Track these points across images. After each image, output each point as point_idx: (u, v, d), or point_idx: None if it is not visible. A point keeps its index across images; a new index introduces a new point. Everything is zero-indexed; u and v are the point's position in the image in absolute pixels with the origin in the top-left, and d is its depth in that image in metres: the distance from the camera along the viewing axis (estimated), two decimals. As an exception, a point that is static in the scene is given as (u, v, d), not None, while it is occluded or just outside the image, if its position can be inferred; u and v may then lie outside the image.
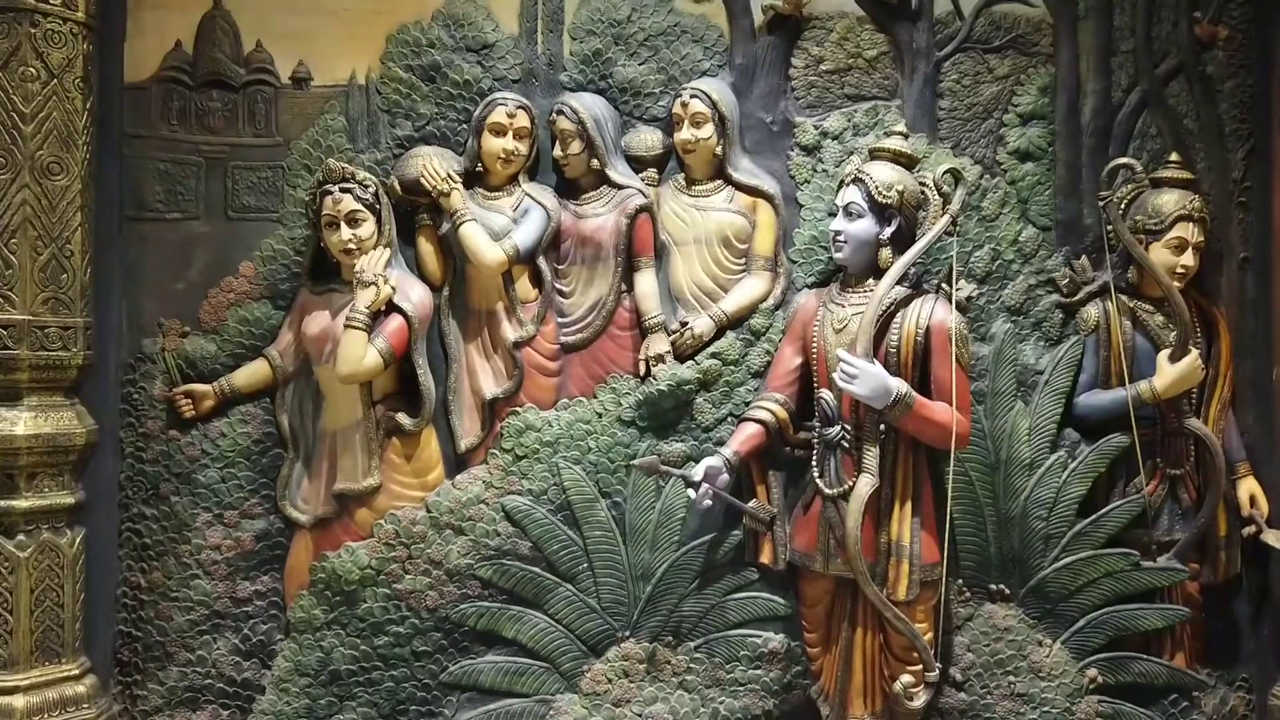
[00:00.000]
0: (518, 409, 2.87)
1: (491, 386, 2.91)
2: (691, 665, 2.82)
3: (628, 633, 2.82)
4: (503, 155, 2.88)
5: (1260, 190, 2.94)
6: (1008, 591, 2.80)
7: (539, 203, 2.92)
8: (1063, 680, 2.73)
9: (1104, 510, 2.78)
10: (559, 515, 2.83)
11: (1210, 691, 2.81)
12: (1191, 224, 2.80)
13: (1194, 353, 2.77)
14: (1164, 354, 2.79)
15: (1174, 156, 2.89)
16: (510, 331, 2.90)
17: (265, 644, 2.88)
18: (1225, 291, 2.95)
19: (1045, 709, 2.72)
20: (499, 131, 2.88)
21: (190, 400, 2.89)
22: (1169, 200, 2.82)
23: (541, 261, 2.92)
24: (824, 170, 2.93)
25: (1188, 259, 2.80)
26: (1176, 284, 2.78)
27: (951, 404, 2.56)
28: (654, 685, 2.80)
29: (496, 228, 2.88)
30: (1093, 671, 2.76)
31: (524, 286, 2.93)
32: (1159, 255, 2.80)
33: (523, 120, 2.90)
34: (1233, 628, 2.88)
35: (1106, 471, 2.81)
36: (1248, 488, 2.85)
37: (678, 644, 2.82)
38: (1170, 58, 2.95)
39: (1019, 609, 2.79)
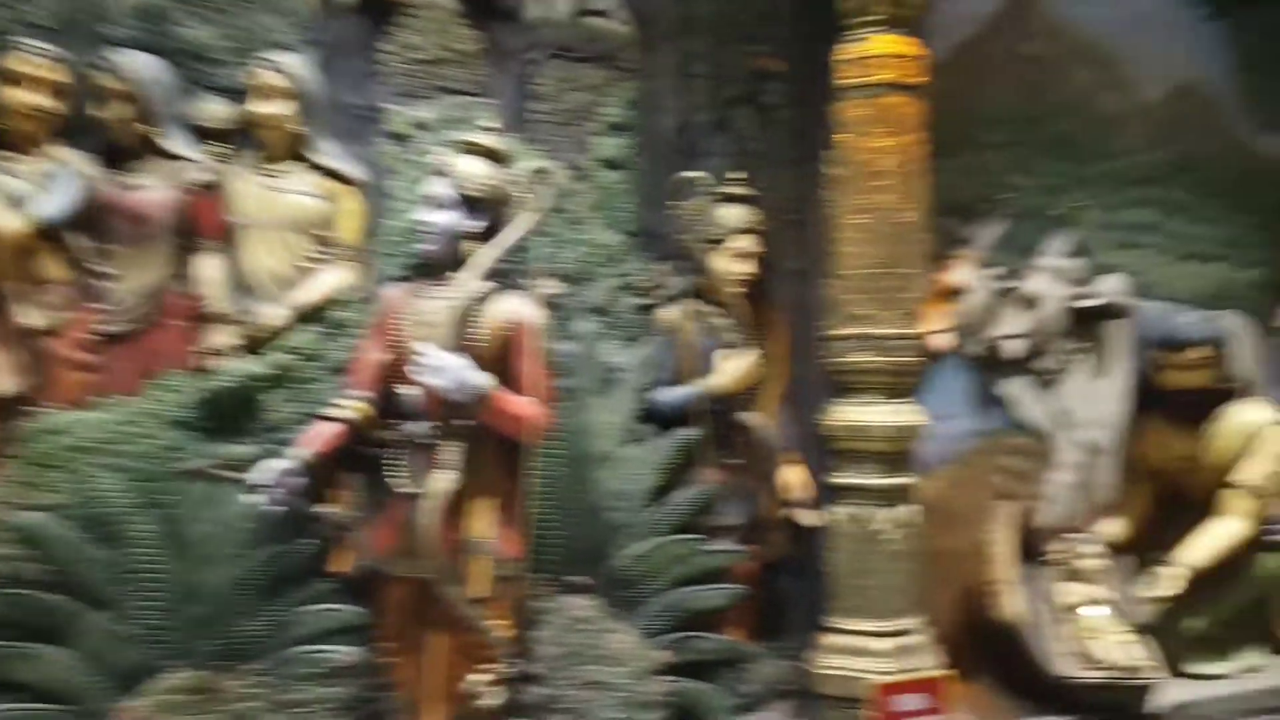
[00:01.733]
0: (39, 408, 2.40)
1: (7, 382, 2.41)
2: (252, 690, 2.49)
3: (174, 661, 2.44)
4: (24, 110, 2.40)
5: (810, 209, 3.24)
6: (587, 583, 2.82)
7: (72, 169, 2.46)
8: (634, 665, 2.78)
9: (674, 499, 2.89)
10: (91, 532, 2.38)
11: (763, 661, 3.03)
12: (751, 236, 3.04)
13: (752, 353, 2.99)
14: (726, 353, 2.99)
15: (737, 174, 3.11)
16: (32, 318, 2.42)
17: None
18: (780, 299, 3.22)
19: (618, 694, 2.76)
20: (18, 81, 2.40)
21: None
22: (732, 214, 3.03)
23: (76, 237, 2.47)
24: (414, 161, 2.78)
25: (747, 267, 3.03)
26: (737, 290, 2.99)
27: (532, 399, 2.53)
28: (206, 718, 2.45)
29: (17, 194, 2.39)
30: (662, 653, 2.85)
31: (51, 265, 2.45)
32: (722, 263, 2.99)
33: (50, 72, 2.43)
34: (782, 602, 3.15)
35: (677, 463, 2.93)
36: (793, 474, 3.13)
37: (236, 667, 2.49)
38: (736, 84, 3.19)
39: (597, 599, 2.82)
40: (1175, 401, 3.45)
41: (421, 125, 2.81)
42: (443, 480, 2.44)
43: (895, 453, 2.90)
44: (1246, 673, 3.45)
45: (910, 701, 2.73)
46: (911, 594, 2.91)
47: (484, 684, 2.47)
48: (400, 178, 2.78)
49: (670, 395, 2.95)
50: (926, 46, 2.95)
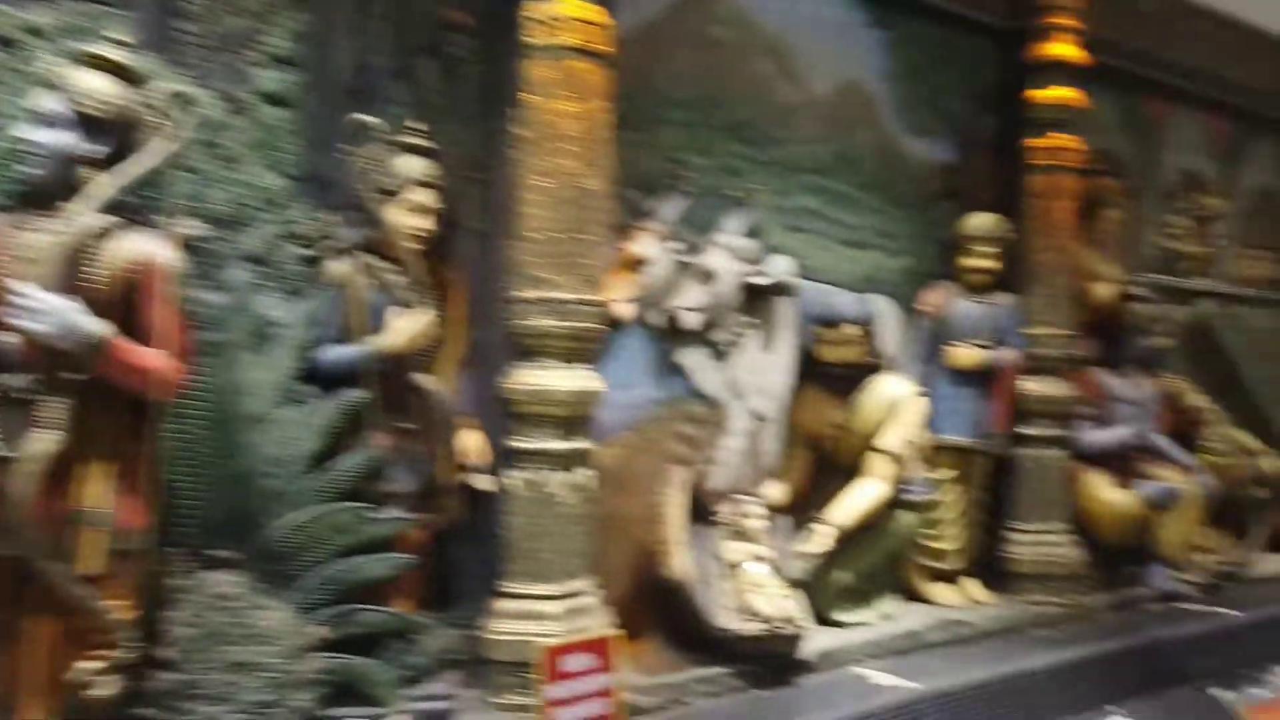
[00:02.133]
0: None
1: None
2: None
3: None
4: None
5: (495, 168, 3.16)
6: (233, 556, 2.57)
7: None
8: (286, 643, 2.57)
9: (338, 465, 2.70)
10: None
11: (432, 632, 2.92)
12: (430, 191, 2.90)
13: (426, 312, 2.86)
14: (398, 312, 2.84)
15: (418, 125, 2.96)
16: None
17: None
18: (461, 258, 3.12)
19: (267, 674, 2.53)
20: None
21: None
22: (410, 165, 2.87)
23: None
24: (22, 71, 2.38)
25: (424, 223, 2.89)
26: (414, 246, 2.85)
27: (161, 351, 2.25)
28: None
29: None
30: (320, 629, 2.67)
31: None
32: (398, 217, 2.84)
33: None
34: (456, 571, 3.06)
35: (343, 426, 2.75)
36: (470, 439, 3.05)
37: None
38: (420, 31, 3.04)
39: (245, 574, 2.57)
40: (829, 374, 3.78)
41: (34, 30, 2.41)
42: (43, 441, 2.12)
43: (574, 417, 2.92)
44: (884, 619, 3.85)
45: (578, 662, 2.75)
46: (585, 557, 2.94)
47: (94, 672, 2.18)
48: (3, 89, 2.37)
49: (336, 354, 2.75)
50: (614, 18, 2.99)
